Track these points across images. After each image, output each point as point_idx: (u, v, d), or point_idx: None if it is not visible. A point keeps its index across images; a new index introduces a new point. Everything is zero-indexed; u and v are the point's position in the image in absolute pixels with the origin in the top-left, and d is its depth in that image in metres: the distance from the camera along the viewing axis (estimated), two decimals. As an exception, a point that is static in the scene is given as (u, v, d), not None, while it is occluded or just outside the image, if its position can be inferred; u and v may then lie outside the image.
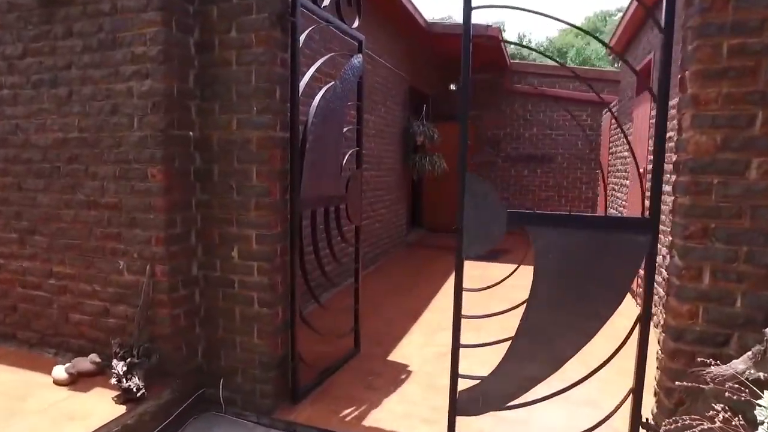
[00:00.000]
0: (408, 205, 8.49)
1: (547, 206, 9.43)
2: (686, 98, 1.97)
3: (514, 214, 2.35)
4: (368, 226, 6.47)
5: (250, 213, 2.77)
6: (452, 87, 9.36)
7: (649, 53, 5.27)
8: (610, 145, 7.57)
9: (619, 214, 6.52)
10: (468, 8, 2.31)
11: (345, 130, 3.42)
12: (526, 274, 2.39)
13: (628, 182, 6.00)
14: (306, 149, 2.92)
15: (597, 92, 2.67)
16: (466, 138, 2.43)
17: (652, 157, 2.17)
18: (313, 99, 3.08)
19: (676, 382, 1.92)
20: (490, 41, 7.43)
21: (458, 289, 2.48)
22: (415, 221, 9.41)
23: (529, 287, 2.31)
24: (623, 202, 6.35)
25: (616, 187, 6.97)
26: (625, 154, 6.27)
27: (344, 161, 3.47)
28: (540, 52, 2.59)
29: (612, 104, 7.74)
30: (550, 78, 9.24)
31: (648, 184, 2.19)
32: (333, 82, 3.21)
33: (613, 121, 7.17)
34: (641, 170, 5.02)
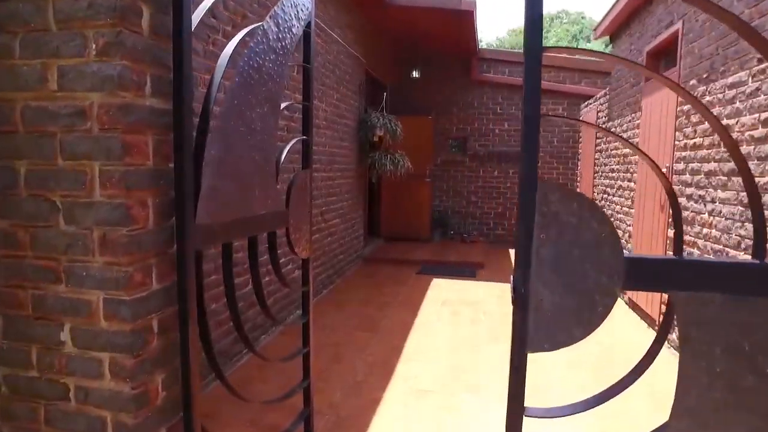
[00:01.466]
0: (365, 212, 7.20)
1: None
2: None
3: (640, 265, 1.13)
4: (319, 242, 5.12)
5: (92, 257, 1.39)
6: (415, 74, 8.14)
7: (669, 26, 4.26)
8: (598, 141, 6.61)
9: (621, 227, 5.53)
10: (537, 49, 1.14)
11: (283, 106, 2.10)
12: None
13: (633, 185, 5.01)
14: (209, 133, 1.58)
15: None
16: (537, 138, 1.22)
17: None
18: (225, 48, 1.74)
19: None
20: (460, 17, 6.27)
21: (515, 417, 1.22)
22: (372, 230, 8.13)
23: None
24: (624, 208, 5.36)
25: (609, 190, 6.00)
26: (627, 150, 5.29)
27: (282, 157, 2.15)
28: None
29: (599, 95, 6.80)
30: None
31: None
32: (261, 23, 1.87)
33: (606, 116, 6.22)
34: (666, 167, 3.99)
